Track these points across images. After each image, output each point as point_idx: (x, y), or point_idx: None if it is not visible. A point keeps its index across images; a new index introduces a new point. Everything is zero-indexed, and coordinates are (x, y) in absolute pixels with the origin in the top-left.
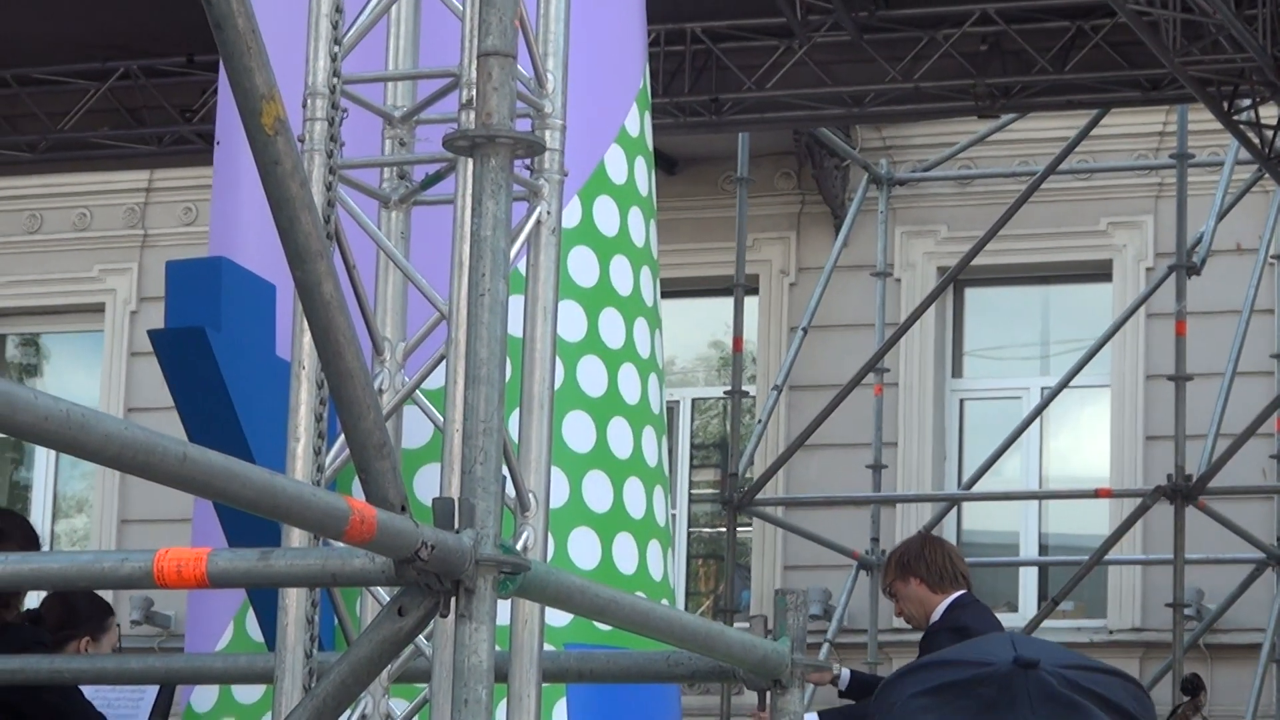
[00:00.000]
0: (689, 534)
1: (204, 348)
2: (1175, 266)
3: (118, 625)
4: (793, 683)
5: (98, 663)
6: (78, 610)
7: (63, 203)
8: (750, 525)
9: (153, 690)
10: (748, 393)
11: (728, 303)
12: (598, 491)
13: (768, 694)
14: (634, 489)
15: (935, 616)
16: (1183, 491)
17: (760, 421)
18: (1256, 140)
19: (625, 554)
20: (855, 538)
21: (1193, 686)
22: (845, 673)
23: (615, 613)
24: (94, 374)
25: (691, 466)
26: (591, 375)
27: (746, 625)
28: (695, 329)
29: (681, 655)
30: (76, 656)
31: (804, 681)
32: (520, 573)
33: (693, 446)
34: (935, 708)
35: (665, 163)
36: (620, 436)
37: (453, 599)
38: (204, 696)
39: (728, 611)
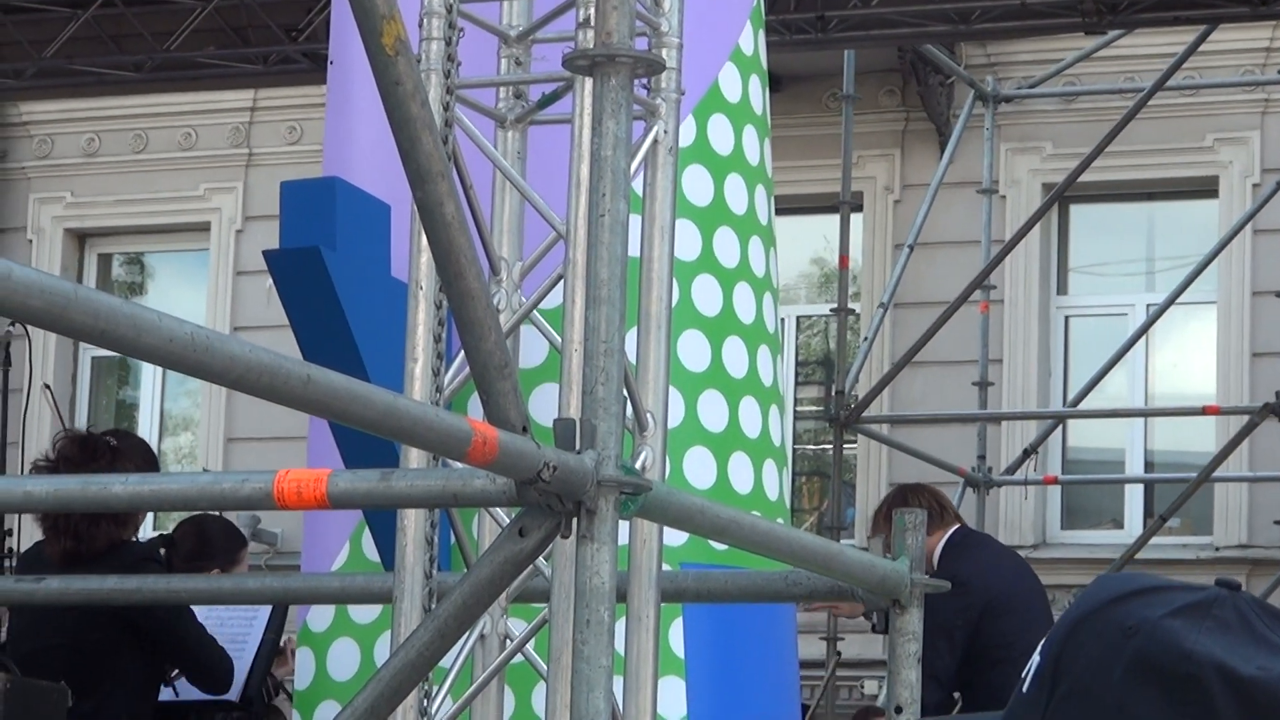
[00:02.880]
0: (794, 451)
1: (319, 268)
2: None
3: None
4: (912, 602)
5: (214, 582)
6: (212, 540)
7: (168, 122)
8: (855, 442)
9: (266, 610)
10: (853, 310)
11: (833, 220)
12: (713, 411)
13: (887, 613)
14: (749, 408)
15: (935, 559)
16: None
17: (866, 339)
18: None
19: (741, 473)
20: (961, 455)
21: None
22: None
23: (735, 532)
24: (199, 293)
25: (796, 384)
26: (707, 294)
27: (853, 542)
28: (799, 246)
29: (800, 574)
30: (193, 576)
31: (922, 602)
32: (642, 493)
33: (797, 364)
34: (1198, 627)
35: (771, 80)
36: (736, 356)
37: (574, 520)
38: (320, 616)
39: (833, 529)
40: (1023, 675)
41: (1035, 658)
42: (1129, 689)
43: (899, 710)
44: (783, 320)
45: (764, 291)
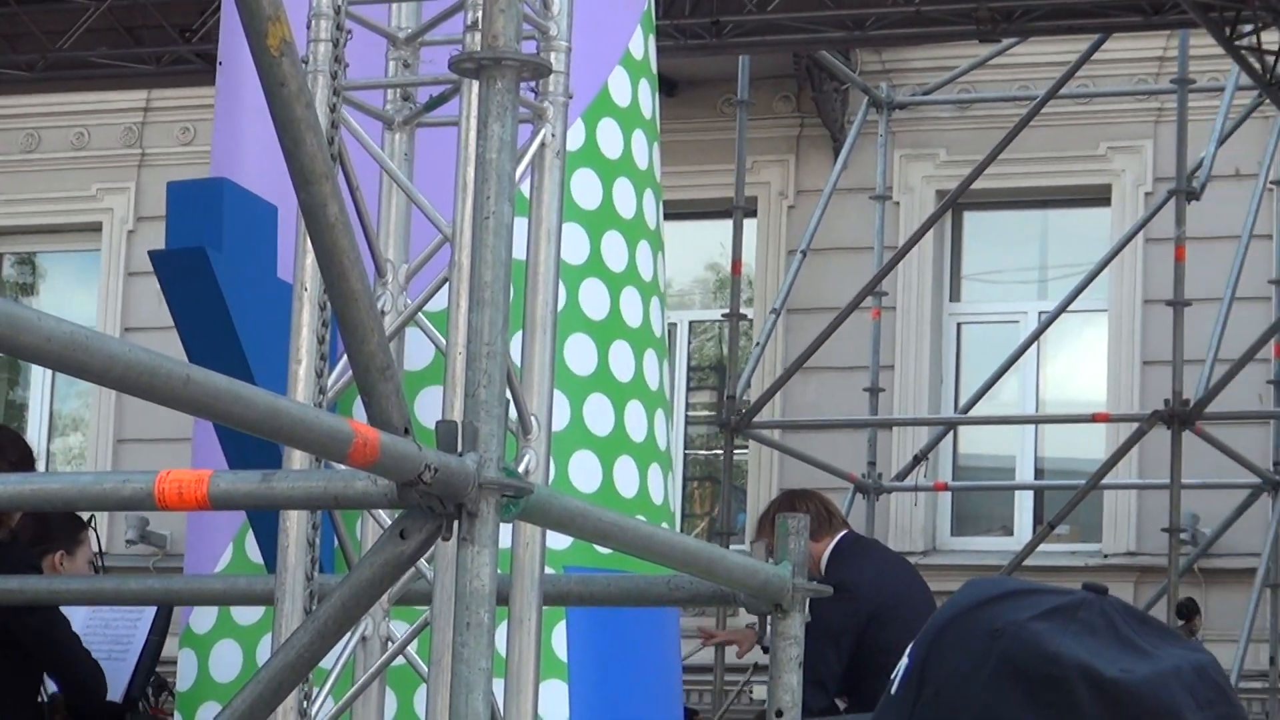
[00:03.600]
0: (685, 456)
1: (205, 268)
2: (1175, 191)
3: (95, 537)
4: (794, 606)
5: (97, 583)
6: (52, 525)
7: (60, 122)
8: (746, 448)
9: (151, 611)
10: (745, 315)
11: (726, 225)
12: (599, 414)
13: (767, 619)
14: (635, 412)
15: (823, 565)
16: (1179, 416)
17: (758, 344)
18: (1258, 66)
19: (626, 477)
20: (852, 461)
21: (1187, 611)
22: None
23: (618, 536)
24: (90, 293)
25: (688, 389)
26: (594, 298)
27: (743, 548)
28: (693, 251)
29: (682, 579)
30: (75, 577)
31: (804, 607)
32: (523, 496)
33: (689, 369)
34: (1063, 630)
35: (665, 85)
36: (622, 359)
37: (455, 522)
38: (203, 618)
39: (724, 534)
40: (891, 677)
41: (904, 660)
42: (994, 691)
43: (779, 714)
44: (675, 325)
45: (651, 295)
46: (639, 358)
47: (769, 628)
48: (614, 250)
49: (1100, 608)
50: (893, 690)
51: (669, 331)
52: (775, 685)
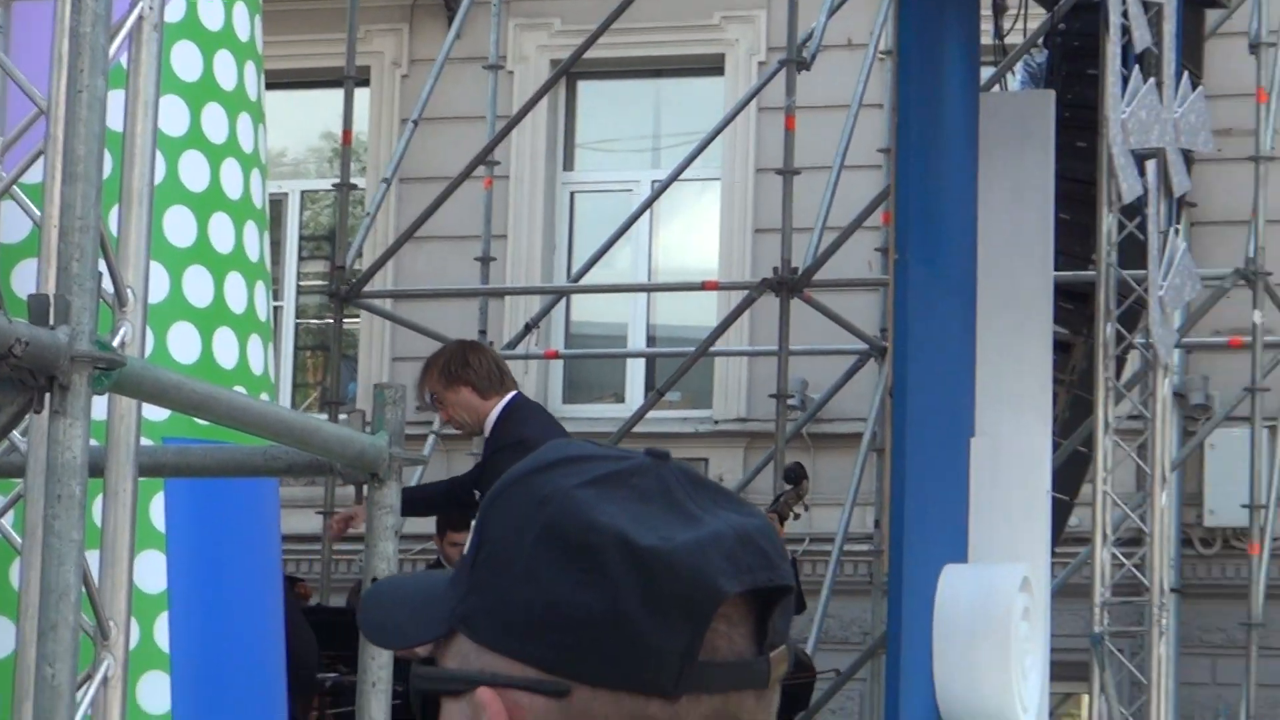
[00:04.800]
0: (297, 326)
1: None
2: (786, 61)
3: None
4: (389, 476)
5: None
6: None
7: None
8: (359, 317)
9: None
10: (357, 185)
11: (339, 94)
12: (199, 286)
13: (364, 487)
14: (235, 284)
15: (489, 424)
16: (788, 284)
17: (369, 214)
18: None
19: (226, 348)
20: (464, 329)
21: (795, 475)
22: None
23: (213, 408)
24: None
25: (300, 259)
26: (193, 170)
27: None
28: (307, 121)
29: (279, 449)
30: None
31: (401, 476)
32: (116, 369)
33: (302, 238)
34: (609, 498)
35: None
36: (222, 231)
37: (47, 395)
38: None
39: (334, 404)
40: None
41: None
42: (537, 556)
43: (375, 581)
44: (287, 195)
45: (252, 168)
46: (239, 229)
47: (364, 497)
48: (215, 122)
49: (657, 473)
50: (465, 551)
51: (280, 201)
52: (371, 553)
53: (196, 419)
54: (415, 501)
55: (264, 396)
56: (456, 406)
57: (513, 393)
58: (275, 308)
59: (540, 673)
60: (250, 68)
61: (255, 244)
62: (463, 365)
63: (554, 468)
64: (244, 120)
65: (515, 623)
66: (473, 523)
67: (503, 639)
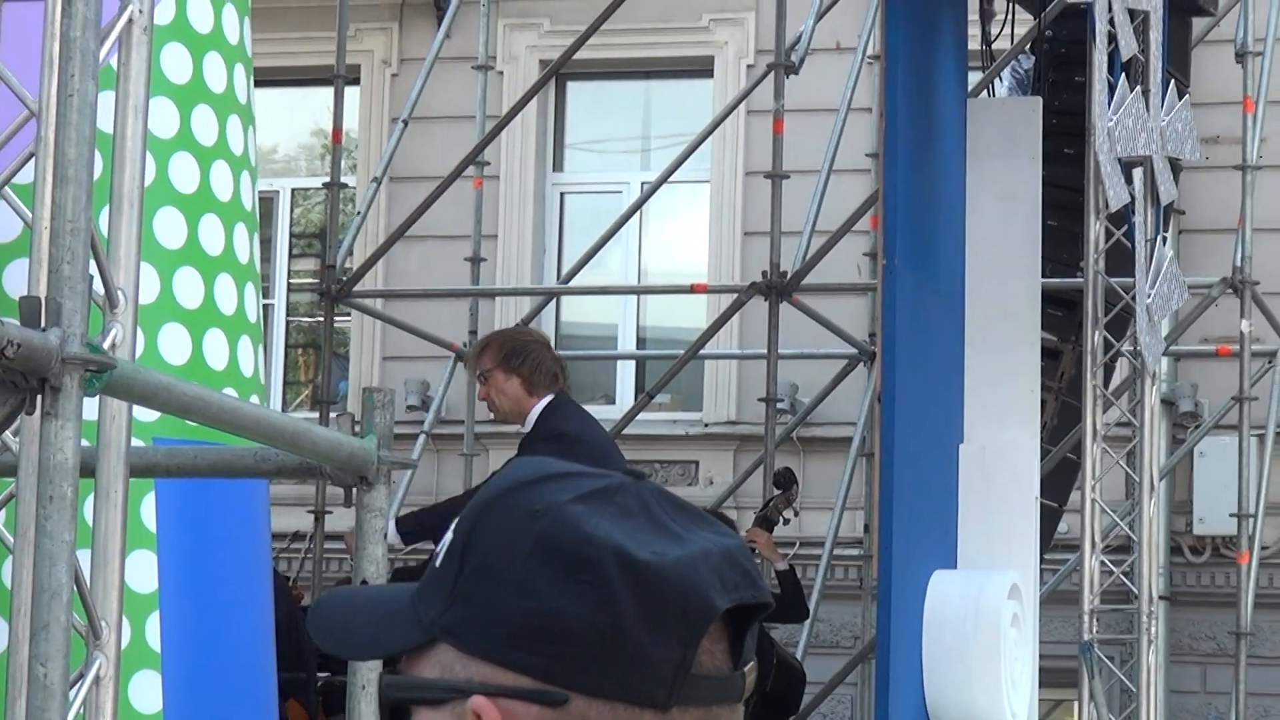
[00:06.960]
0: (288, 324)
1: None
2: (774, 64)
3: None
4: (378, 479)
5: None
6: None
7: None
8: (349, 316)
9: None
10: (347, 184)
11: (330, 93)
12: (189, 288)
13: (353, 490)
14: (225, 285)
15: (530, 420)
16: (777, 288)
17: (359, 213)
18: None
19: (216, 350)
20: (453, 330)
21: (785, 480)
22: (390, 527)
23: (202, 410)
24: None
25: (291, 256)
26: (184, 172)
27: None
28: (297, 119)
29: (269, 451)
30: None
31: (390, 479)
32: (106, 371)
33: (292, 236)
34: (601, 513)
35: None
36: (212, 233)
37: (38, 397)
38: None
39: (325, 403)
40: (436, 551)
41: (448, 535)
42: (532, 568)
43: (364, 584)
44: (278, 193)
45: (242, 169)
46: (229, 231)
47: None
48: (204, 124)
49: (636, 492)
50: (436, 563)
51: (270, 199)
52: (360, 557)
53: (187, 421)
54: (425, 527)
55: (254, 398)
56: (502, 394)
57: (552, 394)
58: (266, 306)
59: (535, 682)
60: (240, 70)
61: (245, 246)
62: (523, 360)
63: (541, 483)
64: (234, 122)
65: (509, 633)
66: (446, 535)
67: (495, 649)
